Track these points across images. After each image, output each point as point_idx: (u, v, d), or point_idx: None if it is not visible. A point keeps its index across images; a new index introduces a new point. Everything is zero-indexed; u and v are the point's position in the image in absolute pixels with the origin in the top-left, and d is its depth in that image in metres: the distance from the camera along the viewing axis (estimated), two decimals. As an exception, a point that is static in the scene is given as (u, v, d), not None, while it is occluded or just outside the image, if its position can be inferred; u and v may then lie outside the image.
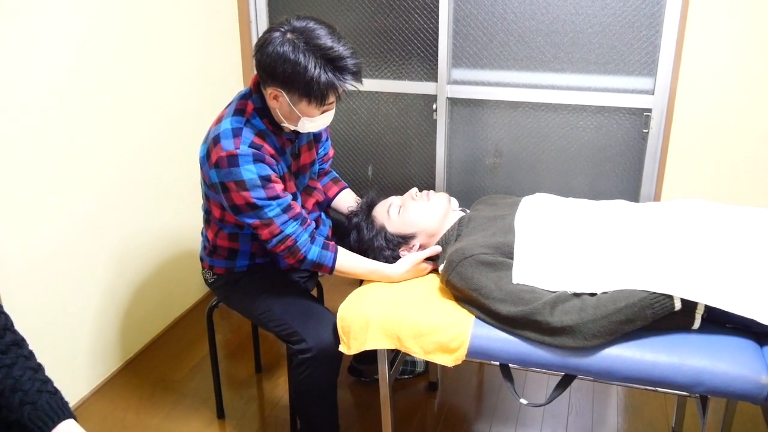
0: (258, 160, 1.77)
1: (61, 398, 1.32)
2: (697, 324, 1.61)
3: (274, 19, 3.13)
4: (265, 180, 1.78)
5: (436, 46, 2.93)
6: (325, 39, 1.70)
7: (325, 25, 1.74)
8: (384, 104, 3.13)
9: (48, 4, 2.11)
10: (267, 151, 1.81)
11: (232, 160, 1.75)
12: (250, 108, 1.84)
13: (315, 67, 1.68)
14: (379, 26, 3.01)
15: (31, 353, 1.35)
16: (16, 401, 1.26)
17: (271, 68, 1.71)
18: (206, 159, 1.83)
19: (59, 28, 2.16)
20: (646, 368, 1.56)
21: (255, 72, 1.81)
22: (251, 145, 1.78)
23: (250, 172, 1.76)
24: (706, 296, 1.55)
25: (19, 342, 1.34)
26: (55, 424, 1.27)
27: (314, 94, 1.72)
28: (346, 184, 2.29)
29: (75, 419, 1.31)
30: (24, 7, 2.03)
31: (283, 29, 1.71)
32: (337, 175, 2.30)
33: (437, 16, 2.88)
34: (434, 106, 3.01)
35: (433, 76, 2.99)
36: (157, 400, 2.46)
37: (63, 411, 1.30)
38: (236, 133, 1.78)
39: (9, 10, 1.98)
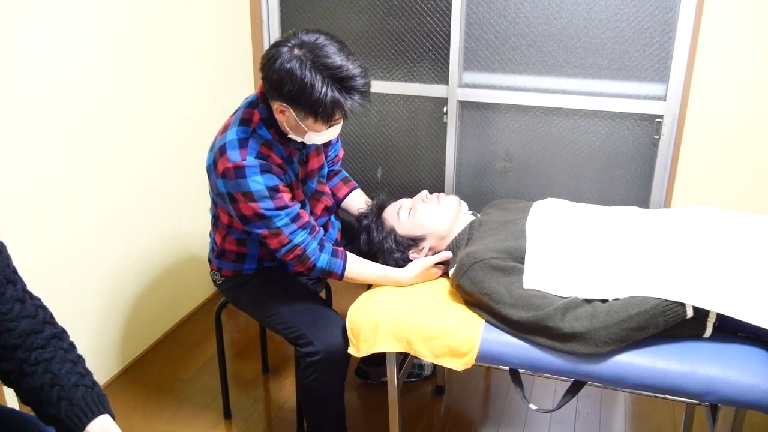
0: (265, 170, 1.75)
1: (98, 392, 1.30)
2: (708, 332, 1.60)
3: (286, 24, 3.13)
4: (273, 190, 1.76)
5: (448, 49, 2.92)
6: (334, 57, 1.65)
7: (335, 40, 1.69)
8: (394, 106, 3.13)
9: (59, 11, 2.11)
10: (274, 161, 1.80)
11: (239, 171, 1.74)
12: (257, 118, 1.82)
13: (322, 86, 1.64)
14: (390, 28, 3.01)
15: (71, 345, 1.34)
16: (54, 396, 1.25)
17: (278, 85, 1.67)
18: (213, 168, 1.81)
19: (72, 36, 2.16)
20: (657, 376, 1.55)
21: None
22: (258, 156, 1.76)
23: (257, 183, 1.74)
24: (718, 304, 1.54)
25: (59, 335, 1.33)
26: (89, 420, 1.25)
27: (320, 113, 1.68)
28: (357, 185, 2.28)
29: (111, 414, 1.30)
30: (38, 13, 2.03)
31: (290, 44, 1.67)
32: (347, 175, 2.29)
33: (449, 18, 2.88)
34: (445, 109, 3.01)
35: (444, 79, 2.98)
36: (163, 400, 2.46)
37: (98, 406, 1.28)
38: (242, 144, 1.77)
39: (24, 16, 1.99)
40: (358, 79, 1.67)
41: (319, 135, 1.80)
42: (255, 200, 1.75)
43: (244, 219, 1.81)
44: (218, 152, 1.78)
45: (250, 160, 1.74)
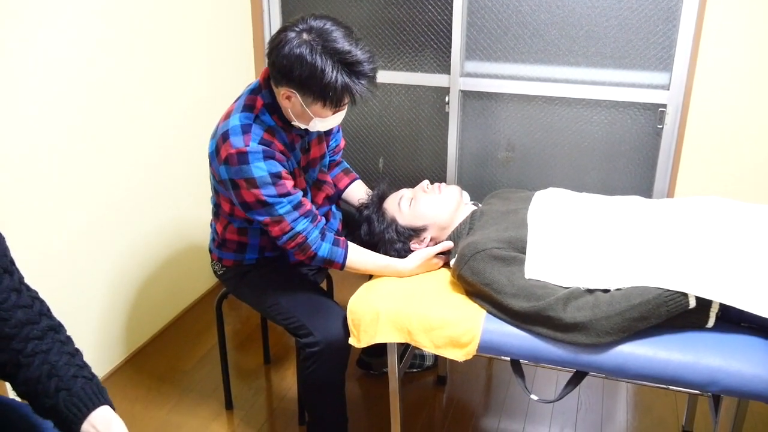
0: (268, 157, 1.75)
1: (98, 384, 1.30)
2: (711, 322, 1.59)
3: (286, 12, 3.11)
4: (276, 177, 1.76)
5: (450, 38, 2.90)
6: (343, 42, 1.66)
7: (342, 26, 1.70)
8: (396, 96, 3.11)
9: (59, 2, 2.10)
10: (277, 147, 1.79)
11: (242, 157, 1.73)
12: (260, 104, 1.81)
13: (332, 71, 1.64)
14: (392, 17, 2.99)
15: (68, 338, 1.34)
16: (52, 387, 1.25)
17: (287, 70, 1.67)
18: (215, 155, 1.80)
19: (71, 26, 2.15)
20: (660, 366, 1.55)
21: (266, 66, 1.78)
22: (261, 142, 1.75)
23: (260, 169, 1.73)
24: (721, 294, 1.53)
25: (56, 327, 1.32)
26: (89, 410, 1.25)
27: (330, 97, 1.68)
28: (357, 176, 2.27)
29: (111, 405, 1.29)
30: (37, 6, 2.03)
31: (298, 29, 1.67)
32: (348, 166, 2.28)
33: (451, 7, 2.85)
34: (447, 99, 2.99)
35: (445, 69, 2.96)
36: (165, 390, 2.46)
37: (98, 397, 1.27)
38: (245, 130, 1.76)
39: (23, 10, 1.99)
40: (365, 64, 1.69)
41: (323, 121, 1.80)
42: (257, 186, 1.74)
43: (246, 206, 1.80)
44: (221, 138, 1.77)
45: (253, 146, 1.74)
